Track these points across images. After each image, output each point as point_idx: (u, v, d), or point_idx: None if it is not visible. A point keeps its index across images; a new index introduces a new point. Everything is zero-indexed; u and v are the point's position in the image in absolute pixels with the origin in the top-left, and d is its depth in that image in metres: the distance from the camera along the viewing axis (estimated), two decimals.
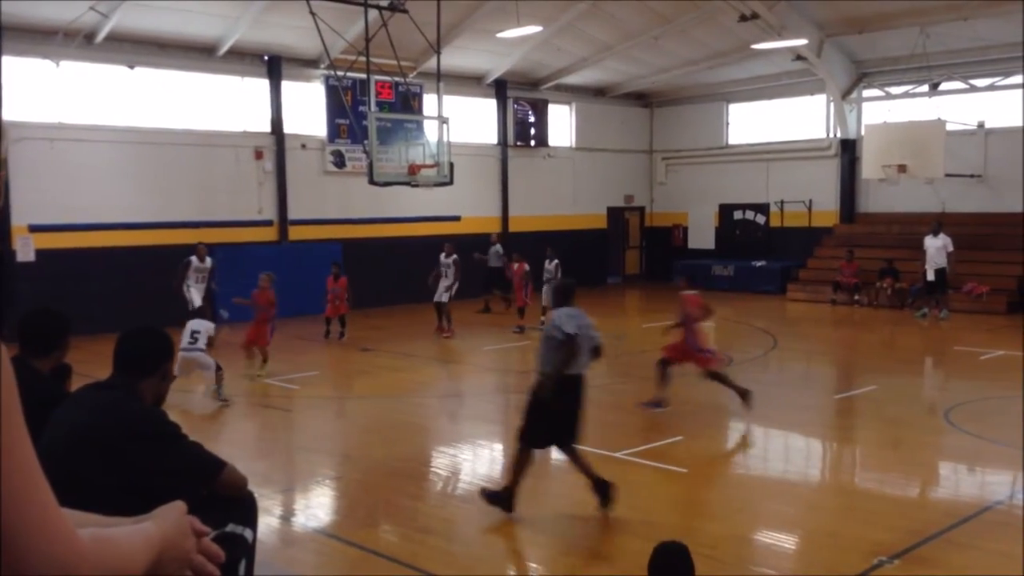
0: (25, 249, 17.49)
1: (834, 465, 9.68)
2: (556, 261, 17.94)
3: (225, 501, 3.68)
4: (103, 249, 18.28)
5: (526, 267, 18.55)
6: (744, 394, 10.73)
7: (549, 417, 7.30)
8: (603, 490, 7.24)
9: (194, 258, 16.72)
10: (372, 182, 17.01)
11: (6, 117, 16.53)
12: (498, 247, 21.76)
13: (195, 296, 16.32)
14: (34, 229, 17.56)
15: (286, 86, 20.98)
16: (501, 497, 7.24)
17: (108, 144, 18.40)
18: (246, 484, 3.85)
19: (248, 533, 3.83)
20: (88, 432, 3.41)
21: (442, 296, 17.77)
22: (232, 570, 3.64)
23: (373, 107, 18.19)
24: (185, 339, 11.32)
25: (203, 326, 11.61)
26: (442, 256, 18.41)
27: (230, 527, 3.66)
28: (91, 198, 18.17)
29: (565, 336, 7.21)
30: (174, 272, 16.62)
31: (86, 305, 16.23)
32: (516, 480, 7.26)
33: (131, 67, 18.81)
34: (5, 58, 16.92)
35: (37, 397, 3.72)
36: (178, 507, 1.66)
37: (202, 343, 11.44)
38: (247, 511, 3.89)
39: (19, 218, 17.25)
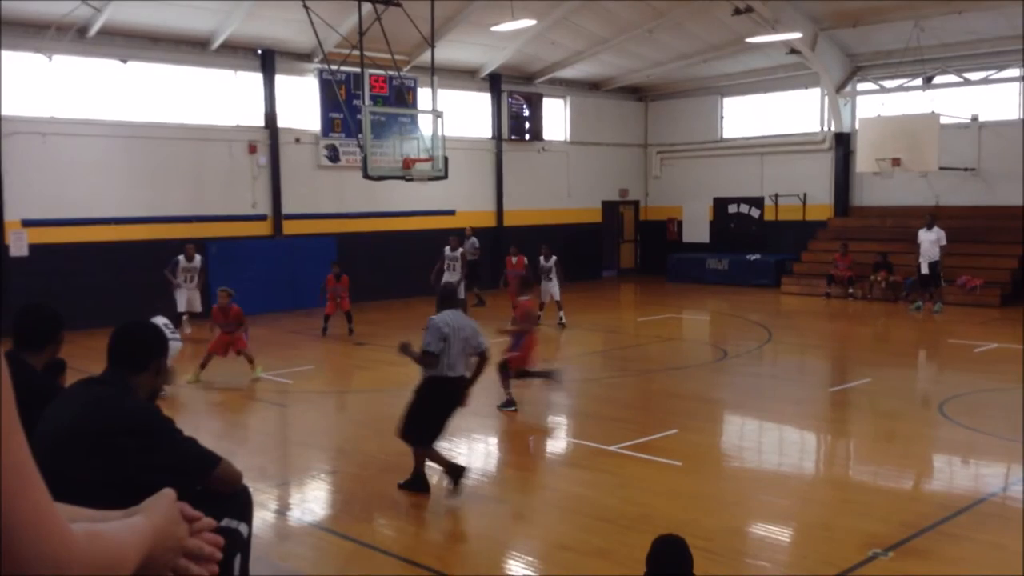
0: (18, 244, 17.44)
1: (828, 458, 9.70)
2: (555, 258, 17.75)
3: (220, 496, 3.68)
4: (96, 244, 18.24)
5: (525, 261, 18.36)
6: (510, 402, 10.75)
7: (420, 414, 7.56)
8: (456, 473, 7.56)
9: (181, 258, 16.72)
10: (366, 176, 17.00)
11: None
12: (474, 240, 21.65)
13: (180, 301, 16.45)
14: (27, 224, 17.51)
15: (280, 80, 20.92)
16: (413, 481, 7.62)
17: (101, 138, 18.34)
18: (241, 479, 3.84)
19: (243, 528, 3.83)
20: (81, 427, 3.40)
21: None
22: (227, 565, 3.64)
23: (367, 101, 18.15)
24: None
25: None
26: (447, 249, 18.40)
27: (225, 522, 3.65)
28: (84, 192, 18.12)
29: (423, 351, 7.50)
30: (170, 268, 16.62)
31: (79, 300, 16.22)
32: (432, 463, 7.66)
33: (124, 61, 18.75)
34: None
35: (30, 393, 3.71)
36: (167, 496, 1.65)
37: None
38: (242, 506, 3.88)
39: (12, 213, 17.19)
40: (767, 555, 6.55)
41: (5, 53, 16.97)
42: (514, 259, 18.45)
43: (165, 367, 3.77)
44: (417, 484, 7.61)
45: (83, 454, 3.32)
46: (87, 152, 18.14)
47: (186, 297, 16.59)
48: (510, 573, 6.43)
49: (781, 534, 7.04)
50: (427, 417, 7.58)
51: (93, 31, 17.70)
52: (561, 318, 17.64)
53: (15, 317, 4.38)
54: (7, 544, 1.19)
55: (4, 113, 16.75)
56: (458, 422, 10.86)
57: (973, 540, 6.61)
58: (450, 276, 18.15)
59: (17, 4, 16.31)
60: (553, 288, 17.62)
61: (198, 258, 16.88)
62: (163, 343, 3.77)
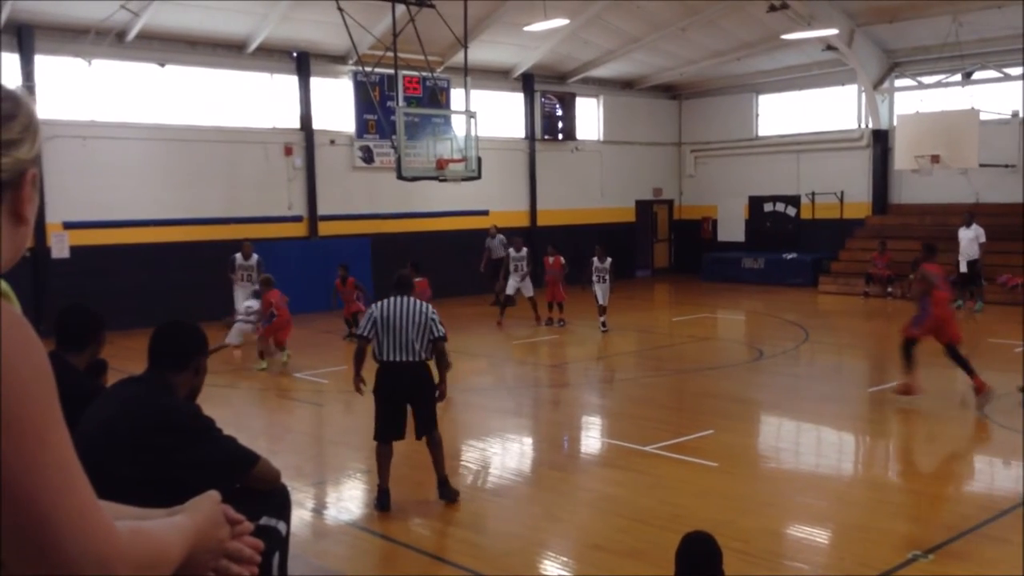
0: (59, 246, 17.73)
1: (866, 459, 9.59)
2: (610, 259, 16.99)
3: (259, 494, 3.71)
4: (135, 245, 18.48)
5: (562, 260, 17.96)
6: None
7: (381, 409, 7.46)
8: (386, 499, 7.38)
9: (238, 255, 16.48)
10: (400, 177, 17.08)
11: (39, 115, 16.72)
12: (501, 237, 21.60)
13: (239, 298, 16.12)
14: (68, 226, 17.79)
15: (315, 82, 21.08)
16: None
17: (139, 141, 18.59)
18: (279, 477, 3.88)
19: (282, 526, 3.86)
20: (122, 426, 3.45)
21: (520, 289, 17.72)
22: (266, 563, 3.67)
23: (401, 102, 18.26)
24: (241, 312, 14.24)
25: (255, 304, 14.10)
26: (512, 251, 18.10)
27: (264, 520, 3.69)
28: (123, 195, 18.37)
29: (356, 334, 7.48)
30: (229, 267, 16.55)
31: (120, 301, 16.43)
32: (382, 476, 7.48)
33: (161, 65, 18.99)
34: (38, 57, 17.18)
35: (73, 392, 3.77)
36: (211, 497, 1.67)
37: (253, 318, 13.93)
38: (280, 504, 3.92)
39: (53, 215, 17.47)
40: (804, 557, 6.49)
41: (46, 58, 17.28)
42: (551, 259, 18.18)
43: (205, 366, 3.81)
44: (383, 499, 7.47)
45: (124, 452, 3.37)
46: (126, 155, 18.40)
47: (245, 296, 16.09)
48: (544, 573, 6.43)
49: (818, 536, 6.98)
50: (376, 408, 7.51)
51: (131, 35, 17.94)
52: (603, 323, 17.02)
53: (57, 318, 4.45)
54: (53, 540, 1.21)
55: (45, 117, 17.03)
56: (492, 421, 10.91)
57: (1014, 543, 6.50)
58: (515, 279, 17.79)
59: (57, 9, 16.59)
60: (601, 290, 16.91)
61: (255, 256, 16.52)
62: (203, 342, 3.81)
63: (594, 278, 16.99)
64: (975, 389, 10.55)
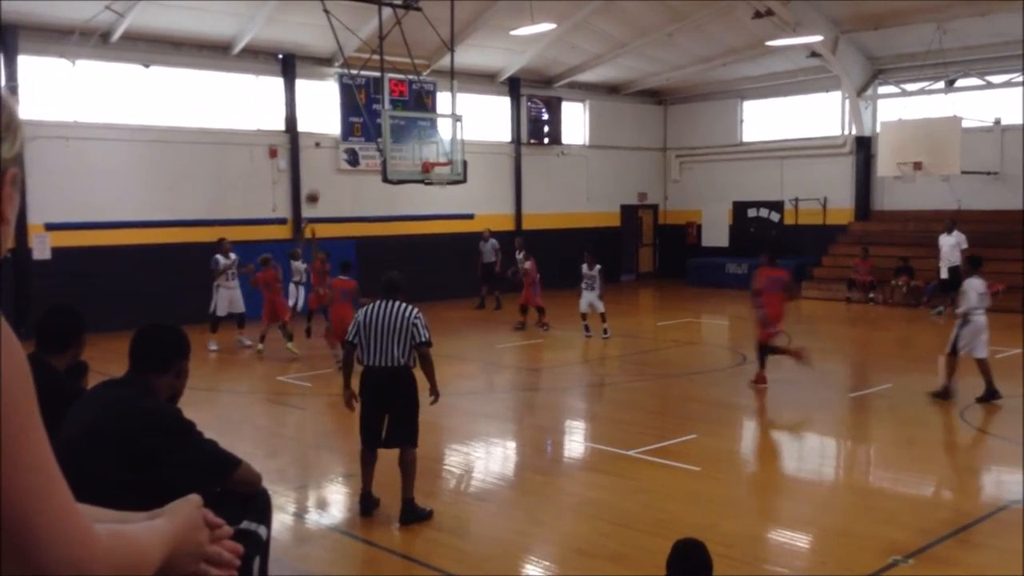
0: (41, 247, 17.60)
1: (848, 464, 9.64)
2: (599, 267, 16.80)
3: (240, 498, 3.70)
4: (118, 247, 18.37)
5: (534, 264, 17.96)
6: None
7: (363, 414, 7.42)
8: (368, 504, 7.38)
9: (220, 256, 16.27)
10: (386, 180, 17.04)
11: (22, 115, 16.61)
12: (493, 241, 21.58)
13: (221, 303, 16.08)
14: (50, 227, 17.67)
15: (300, 84, 21.03)
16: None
17: (123, 143, 18.49)
18: (260, 481, 3.86)
19: (262, 530, 3.84)
20: (102, 428, 3.43)
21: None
22: (246, 567, 3.66)
23: (387, 105, 18.23)
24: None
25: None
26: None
27: (244, 524, 3.67)
28: (106, 196, 18.26)
29: (345, 339, 7.51)
30: (214, 269, 16.41)
31: (101, 302, 16.32)
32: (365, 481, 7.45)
33: (146, 66, 18.90)
34: (21, 57, 17.07)
35: (53, 394, 3.74)
36: (191, 501, 1.67)
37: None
38: (261, 508, 3.90)
39: (35, 216, 17.34)
40: (786, 561, 6.52)
41: (30, 58, 17.17)
42: (528, 264, 18.00)
43: (186, 369, 3.79)
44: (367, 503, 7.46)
45: (105, 455, 3.35)
46: (109, 156, 18.30)
47: (228, 298, 16.15)
48: None
49: (800, 540, 7.01)
50: (360, 413, 7.46)
51: (116, 36, 17.85)
52: (605, 330, 16.77)
53: (38, 319, 4.42)
54: (31, 543, 1.20)
55: (28, 117, 16.91)
56: (476, 425, 10.89)
57: (994, 548, 6.55)
58: (588, 294, 16.84)
59: (41, 9, 16.49)
60: (590, 298, 16.73)
61: (233, 255, 16.40)
62: (184, 345, 3.79)
63: (583, 285, 16.81)
64: (755, 379, 12.17)
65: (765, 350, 12.23)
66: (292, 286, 17.34)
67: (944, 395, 11.14)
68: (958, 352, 11.07)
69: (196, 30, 18.85)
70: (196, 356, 4.06)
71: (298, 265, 17.46)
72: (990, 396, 11.06)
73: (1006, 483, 8.54)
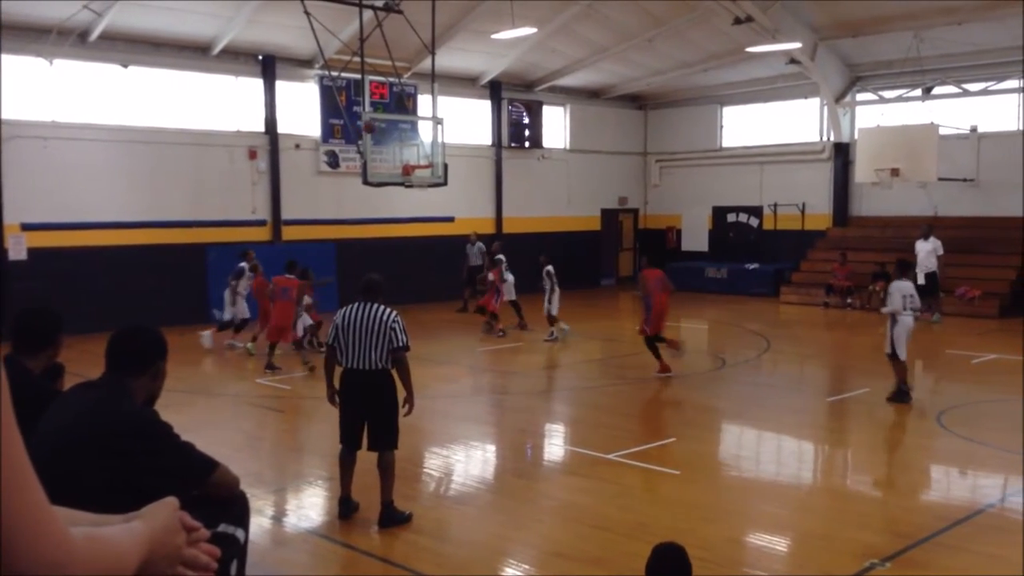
0: (17, 248, 17.43)
1: (826, 468, 9.69)
2: (549, 268, 17.21)
3: (217, 501, 3.67)
4: (96, 248, 18.23)
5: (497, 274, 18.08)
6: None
7: (342, 416, 7.38)
8: (347, 507, 7.35)
9: (245, 264, 16.36)
10: (366, 182, 16.98)
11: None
12: (480, 245, 21.60)
13: (239, 309, 16.20)
14: (26, 228, 17.50)
15: (280, 86, 20.94)
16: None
17: (102, 143, 18.34)
18: (238, 484, 3.84)
19: (240, 533, 3.82)
20: (78, 431, 3.39)
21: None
22: (224, 570, 3.63)
23: (367, 107, 18.16)
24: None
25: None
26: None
27: (222, 527, 3.64)
28: (84, 197, 18.12)
29: (325, 342, 7.46)
30: (234, 276, 16.30)
31: (78, 304, 16.19)
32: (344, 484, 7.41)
33: (125, 66, 18.76)
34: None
35: (28, 396, 3.70)
36: (168, 504, 1.65)
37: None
38: (239, 511, 3.87)
39: (11, 216, 17.18)
40: (765, 564, 6.54)
41: (7, 57, 16.99)
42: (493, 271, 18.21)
43: (163, 371, 3.76)
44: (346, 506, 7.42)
45: (82, 458, 3.32)
46: (88, 156, 18.15)
47: (240, 306, 16.30)
48: None
49: (779, 543, 7.04)
50: (339, 415, 7.41)
51: (94, 36, 17.72)
52: (552, 333, 17.15)
53: (13, 320, 4.38)
54: (7, 545, 1.19)
55: (5, 117, 16.75)
56: (455, 428, 10.87)
57: (971, 551, 6.60)
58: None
59: (19, 8, 16.33)
60: (545, 299, 17.18)
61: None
62: (162, 347, 3.76)
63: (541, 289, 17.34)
64: (660, 370, 13.45)
65: (655, 341, 13.60)
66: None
67: (900, 397, 11.35)
68: (901, 354, 11.33)
69: (175, 30, 18.74)
70: (183, 358, 4.06)
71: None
72: (900, 397, 11.35)
73: (982, 487, 8.61)
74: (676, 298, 15.12)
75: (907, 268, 12.02)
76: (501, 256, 18.52)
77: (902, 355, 11.31)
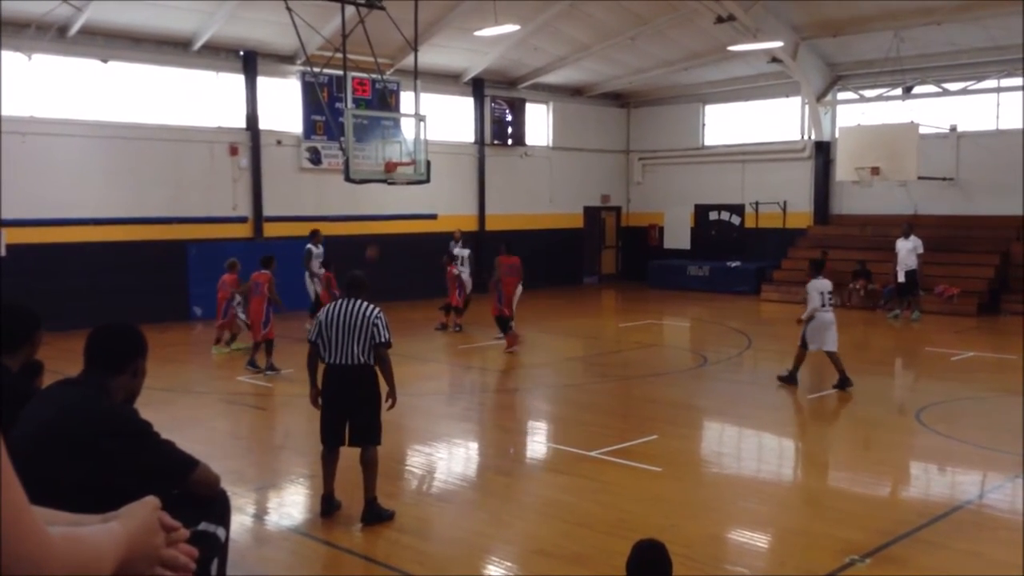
0: None
1: (806, 464, 9.74)
2: (468, 251, 18.38)
3: (198, 500, 3.65)
4: (75, 244, 18.10)
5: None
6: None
7: (324, 413, 7.37)
8: (329, 505, 7.35)
9: (311, 246, 16.96)
10: (348, 179, 16.95)
11: None
12: (461, 244, 21.56)
13: (310, 289, 16.87)
14: (5, 224, 17.33)
15: (262, 82, 20.85)
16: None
17: (81, 139, 18.21)
18: (219, 482, 3.82)
19: (221, 532, 3.80)
20: (57, 429, 3.36)
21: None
22: (204, 569, 3.61)
23: (350, 104, 18.15)
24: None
25: None
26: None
27: (203, 526, 3.63)
28: (63, 193, 17.98)
29: (308, 339, 7.50)
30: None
31: (58, 301, 16.08)
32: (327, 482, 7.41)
33: (104, 61, 18.63)
34: None
35: (6, 394, 3.68)
36: (148, 503, 1.64)
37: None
38: (220, 510, 3.86)
39: None
40: (746, 561, 6.57)
41: None
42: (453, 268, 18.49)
43: (143, 369, 3.74)
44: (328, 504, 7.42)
45: (62, 456, 3.29)
46: (67, 152, 18.01)
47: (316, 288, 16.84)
48: None
49: (759, 540, 7.07)
50: (321, 412, 7.39)
51: (73, 30, 17.57)
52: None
53: None
54: None
55: None
56: (437, 426, 10.86)
57: (949, 548, 6.66)
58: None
59: None
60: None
61: (321, 246, 17.18)
62: (141, 345, 3.73)
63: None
64: (508, 346, 15.25)
65: (504, 321, 15.41)
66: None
67: (788, 379, 12.46)
68: (808, 346, 12.33)
69: (156, 25, 18.61)
70: (163, 355, 4.02)
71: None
72: (843, 384, 12.09)
73: (961, 484, 8.69)
74: (658, 296, 15.23)
75: (820, 267, 12.79)
76: (460, 251, 18.54)
77: (833, 348, 12.23)
